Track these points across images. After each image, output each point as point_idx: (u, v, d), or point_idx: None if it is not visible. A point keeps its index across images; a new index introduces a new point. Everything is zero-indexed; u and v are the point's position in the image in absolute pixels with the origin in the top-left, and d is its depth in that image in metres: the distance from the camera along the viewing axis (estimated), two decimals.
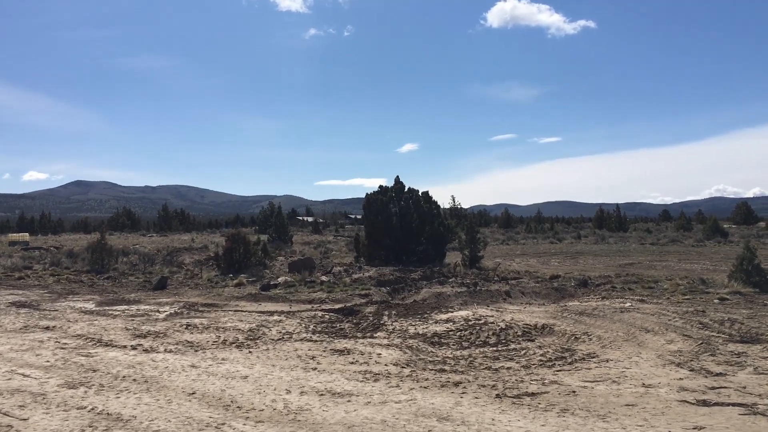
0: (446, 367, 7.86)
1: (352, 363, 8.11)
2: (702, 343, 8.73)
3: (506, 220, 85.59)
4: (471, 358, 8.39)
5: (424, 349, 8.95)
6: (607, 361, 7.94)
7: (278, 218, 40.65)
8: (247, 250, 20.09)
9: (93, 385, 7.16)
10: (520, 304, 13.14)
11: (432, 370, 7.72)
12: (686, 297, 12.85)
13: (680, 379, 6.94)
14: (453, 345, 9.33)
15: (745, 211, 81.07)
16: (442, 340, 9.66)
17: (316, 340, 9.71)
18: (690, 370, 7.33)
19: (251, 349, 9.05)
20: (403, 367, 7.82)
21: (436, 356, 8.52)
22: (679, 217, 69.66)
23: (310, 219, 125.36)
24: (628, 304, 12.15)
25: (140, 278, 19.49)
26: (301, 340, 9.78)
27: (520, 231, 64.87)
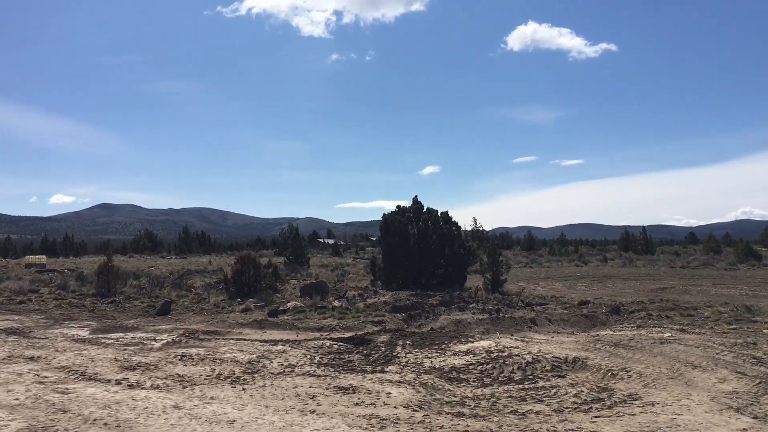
0: (465, 410, 6.81)
1: (357, 404, 7.07)
2: (760, 383, 7.57)
3: (529, 243, 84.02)
4: (494, 399, 7.32)
5: (440, 387, 7.89)
6: (653, 404, 6.82)
7: (295, 240, 39.80)
8: (257, 273, 19.17)
9: (57, 430, 6.22)
10: (548, 333, 12.03)
11: (448, 413, 6.67)
12: (732, 327, 11.64)
13: (744, 430, 5.81)
14: (473, 381, 8.27)
15: None
16: (461, 375, 8.60)
17: (320, 375, 8.69)
18: (753, 418, 6.19)
19: (246, 386, 8.05)
20: (415, 410, 6.77)
21: (454, 396, 7.46)
22: (707, 239, 67.63)
23: (330, 241, 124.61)
24: (668, 335, 10.99)
25: (145, 302, 18.62)
26: (304, 374, 8.77)
27: (544, 254, 63.41)
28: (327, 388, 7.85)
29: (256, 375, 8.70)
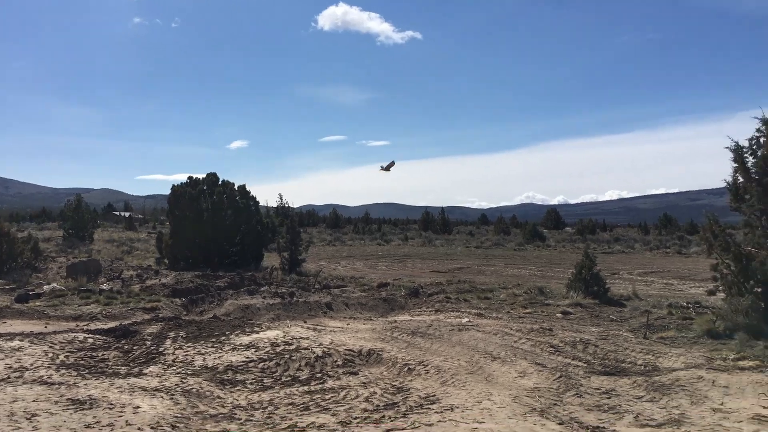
0: (233, 426, 5.44)
1: (88, 427, 5.39)
2: (561, 377, 7.04)
3: (335, 221, 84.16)
4: (271, 407, 6.04)
5: (207, 394, 6.44)
6: (452, 409, 5.92)
7: (77, 212, 35.51)
8: (11, 248, 16.13)
9: None
10: (343, 319, 11.02)
11: None
12: (527, 311, 11.43)
13: None
14: (251, 384, 6.93)
15: (554, 217, 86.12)
16: (238, 376, 7.22)
17: (56, 382, 6.81)
18: (559, 423, 5.49)
19: None
20: None
21: (223, 406, 6.05)
22: (498, 221, 71.98)
23: (126, 214, 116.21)
24: (466, 320, 10.45)
25: None
26: (34, 381, 6.83)
27: (348, 232, 63.62)
28: (56, 402, 6.03)
29: None
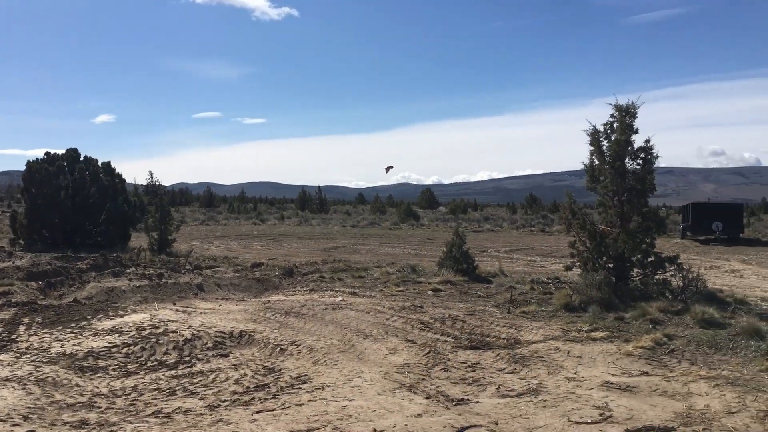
0: (91, 416, 5.18)
1: None
2: (429, 352, 7.26)
3: (209, 199, 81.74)
4: (135, 394, 5.81)
5: (65, 383, 6.09)
6: (323, 388, 5.96)
7: None
8: None
9: None
10: (215, 301, 10.77)
11: (66, 424, 4.99)
12: (400, 289, 11.66)
13: (418, 415, 5.20)
14: (113, 370, 6.62)
15: (429, 196, 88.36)
16: (100, 362, 6.88)
17: None
18: (426, 398, 5.67)
19: None
20: (16, 425, 4.93)
21: (82, 395, 5.75)
22: (374, 200, 72.81)
23: None
24: (340, 299, 10.52)
25: None
26: None
27: (223, 211, 62.06)
28: None
29: None
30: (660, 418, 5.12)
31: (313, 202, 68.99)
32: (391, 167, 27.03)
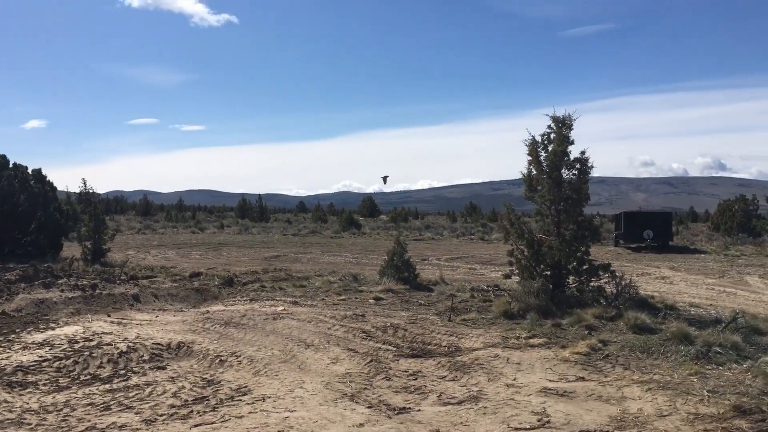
0: None
1: None
2: (371, 361, 7.27)
3: (145, 208, 79.78)
4: (68, 409, 5.61)
5: None
6: (264, 399, 5.89)
7: None
8: None
9: None
10: (152, 312, 10.51)
11: None
12: (341, 298, 11.65)
13: (360, 425, 5.20)
14: (44, 385, 6.38)
15: (370, 205, 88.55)
16: (29, 377, 6.62)
17: None
18: (369, 407, 5.67)
19: None
20: None
21: (11, 411, 5.53)
22: (315, 209, 72.51)
23: None
24: (281, 308, 10.42)
25: None
26: None
27: (160, 219, 60.66)
28: None
29: None
30: (596, 422, 5.27)
31: (254, 211, 68.14)
32: (387, 176, 27.13)
